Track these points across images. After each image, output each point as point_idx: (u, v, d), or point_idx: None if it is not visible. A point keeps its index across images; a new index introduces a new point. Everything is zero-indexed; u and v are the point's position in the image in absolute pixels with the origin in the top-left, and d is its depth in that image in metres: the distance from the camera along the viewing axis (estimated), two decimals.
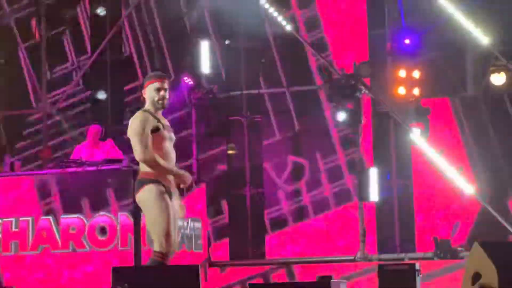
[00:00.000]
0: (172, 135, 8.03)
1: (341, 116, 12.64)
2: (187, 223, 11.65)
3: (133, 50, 14.04)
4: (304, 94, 13.82)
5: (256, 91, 13.69)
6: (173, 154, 7.95)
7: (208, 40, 13.06)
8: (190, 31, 13.14)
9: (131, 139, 7.82)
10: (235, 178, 13.63)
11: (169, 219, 7.90)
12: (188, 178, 7.93)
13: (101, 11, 13.46)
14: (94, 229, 10.63)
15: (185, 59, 13.20)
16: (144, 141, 7.80)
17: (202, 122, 12.99)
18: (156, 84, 7.98)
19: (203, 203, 12.44)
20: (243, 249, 13.29)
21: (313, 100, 13.69)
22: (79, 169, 10.80)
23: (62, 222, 10.75)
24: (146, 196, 7.92)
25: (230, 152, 13.89)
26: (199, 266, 8.23)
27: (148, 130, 7.80)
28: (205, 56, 12.80)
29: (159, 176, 7.94)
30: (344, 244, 13.20)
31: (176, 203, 8.13)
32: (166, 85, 7.97)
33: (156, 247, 7.92)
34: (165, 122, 8.07)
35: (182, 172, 7.96)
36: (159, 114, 8.06)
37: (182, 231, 11.55)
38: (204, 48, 12.85)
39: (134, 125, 7.84)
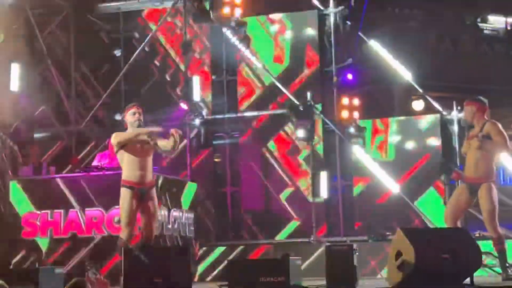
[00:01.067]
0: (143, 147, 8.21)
1: (301, 133, 12.68)
2: (182, 213, 11.64)
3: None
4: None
5: (235, 115, 13.68)
6: (136, 164, 8.17)
7: (199, 75, 13.04)
8: (185, 68, 13.10)
9: None
10: (219, 179, 13.59)
11: (132, 216, 8.08)
12: (150, 130, 8.16)
13: (117, 53, 13.42)
14: (111, 219, 10.58)
15: (181, 90, 13.19)
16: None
17: (194, 137, 12.96)
18: (133, 110, 8.29)
19: (195, 198, 12.46)
20: (225, 233, 13.28)
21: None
22: (100, 173, 10.80)
23: (86, 213, 10.71)
24: (120, 197, 8.13)
25: (216, 160, 13.86)
26: (189, 246, 8.26)
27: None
28: (196, 88, 12.79)
29: (129, 181, 8.07)
30: (302, 230, 13.23)
31: (150, 203, 8.21)
32: (140, 110, 8.24)
33: (122, 235, 8.09)
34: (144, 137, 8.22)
35: (140, 131, 8.15)
36: None
37: (178, 220, 11.55)
38: (196, 81, 12.84)
39: None
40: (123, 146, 8.19)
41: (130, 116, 8.25)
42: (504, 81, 16.52)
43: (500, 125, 8.44)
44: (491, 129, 8.42)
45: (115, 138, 8.22)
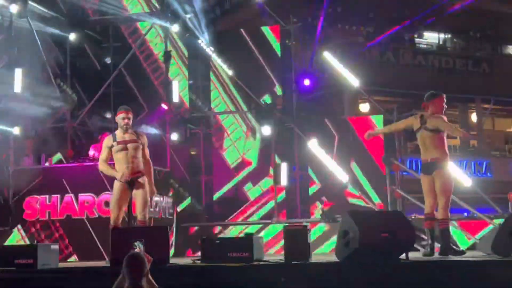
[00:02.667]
0: (129, 145, 8.09)
1: (265, 130, 12.67)
2: (163, 199, 11.57)
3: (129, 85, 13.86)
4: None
5: (209, 114, 13.61)
6: (124, 160, 8.05)
7: (178, 79, 12.98)
8: (165, 73, 13.03)
9: None
10: (195, 169, 13.52)
11: (117, 206, 8.02)
12: (120, 175, 8.01)
13: (108, 60, 13.28)
14: (101, 203, 10.50)
15: (162, 92, 13.13)
16: (102, 156, 8.17)
17: (173, 133, 12.88)
18: (123, 115, 8.15)
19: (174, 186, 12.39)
20: (199, 215, 13.20)
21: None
22: (92, 163, 10.69)
23: (80, 198, 10.61)
24: (113, 187, 8.05)
25: (192, 152, 13.79)
26: (168, 227, 8.18)
27: (106, 148, 8.14)
28: (175, 90, 12.74)
29: (118, 174, 7.99)
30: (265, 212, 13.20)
31: (140, 190, 8.10)
32: (130, 115, 8.14)
33: (111, 220, 8.02)
34: (127, 137, 8.12)
35: (113, 173, 8.09)
36: (127, 132, 8.14)
37: (159, 204, 11.48)
38: (175, 85, 12.79)
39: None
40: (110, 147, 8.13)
41: (120, 119, 8.13)
42: (437, 88, 16.65)
43: None
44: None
45: (100, 161, 8.22)
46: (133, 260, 4.84)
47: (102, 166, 8.19)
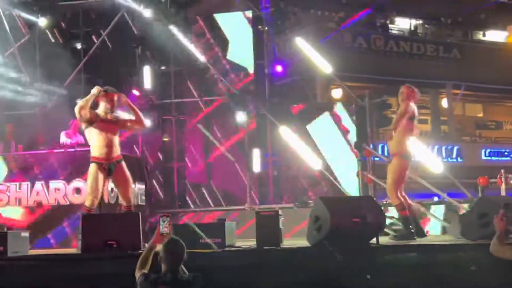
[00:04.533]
0: (109, 129, 8.02)
1: (238, 116, 12.67)
2: (135, 185, 11.51)
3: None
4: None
5: (181, 100, 13.57)
6: (104, 141, 7.97)
7: (150, 65, 12.89)
8: (138, 59, 12.94)
9: None
10: (167, 155, 13.47)
11: (96, 187, 7.84)
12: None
13: (78, 45, 13.16)
14: (72, 190, 10.42)
15: (134, 78, 13.05)
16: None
17: (145, 119, 12.77)
18: (115, 97, 8.14)
19: (146, 172, 12.34)
20: (172, 202, 13.19)
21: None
22: (62, 150, 10.60)
23: (50, 185, 10.52)
24: (89, 170, 7.96)
25: (164, 139, 13.73)
26: (139, 213, 8.13)
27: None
28: (147, 76, 12.66)
29: (98, 157, 7.89)
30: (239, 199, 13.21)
31: (122, 175, 8.05)
32: (116, 98, 8.05)
33: (86, 203, 7.92)
34: (106, 118, 8.05)
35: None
36: (110, 114, 8.05)
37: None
38: (147, 71, 12.71)
39: None
40: (91, 123, 7.96)
41: (110, 100, 8.08)
42: (407, 73, 16.80)
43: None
44: None
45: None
46: (175, 246, 4.52)
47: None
